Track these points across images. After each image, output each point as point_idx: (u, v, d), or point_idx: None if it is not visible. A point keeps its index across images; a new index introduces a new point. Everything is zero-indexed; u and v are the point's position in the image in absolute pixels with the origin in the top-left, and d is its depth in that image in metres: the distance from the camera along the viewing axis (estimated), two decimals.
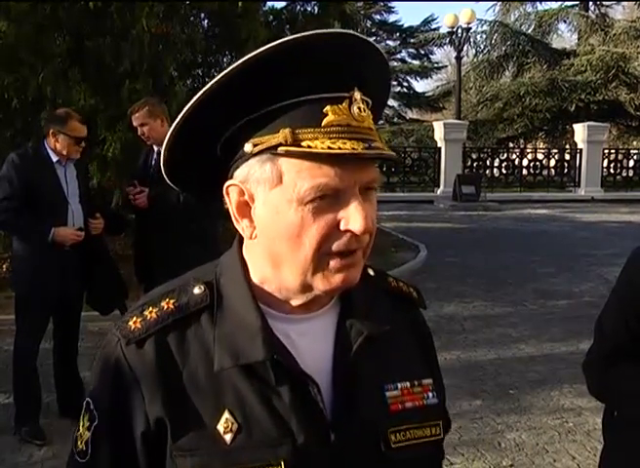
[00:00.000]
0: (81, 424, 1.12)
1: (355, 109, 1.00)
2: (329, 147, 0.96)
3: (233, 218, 1.07)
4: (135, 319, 1.08)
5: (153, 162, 4.82)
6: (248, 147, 1.01)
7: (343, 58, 0.99)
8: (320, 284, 1.04)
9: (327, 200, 0.99)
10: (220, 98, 1.00)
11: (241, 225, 1.07)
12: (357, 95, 1.01)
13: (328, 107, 0.98)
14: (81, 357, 4.92)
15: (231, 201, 1.06)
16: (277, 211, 1.01)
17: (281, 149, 0.98)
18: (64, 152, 4.42)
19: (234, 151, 1.04)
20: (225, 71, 0.98)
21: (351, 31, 1.00)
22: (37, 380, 4.57)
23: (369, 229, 1.01)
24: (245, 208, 1.06)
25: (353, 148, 0.97)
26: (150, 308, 1.09)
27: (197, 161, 1.11)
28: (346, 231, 1.00)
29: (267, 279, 1.09)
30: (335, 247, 1.01)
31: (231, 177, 1.06)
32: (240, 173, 1.04)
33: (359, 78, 1.02)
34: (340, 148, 0.96)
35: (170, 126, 1.07)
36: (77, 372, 4.80)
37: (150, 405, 1.05)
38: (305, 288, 1.05)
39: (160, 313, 1.08)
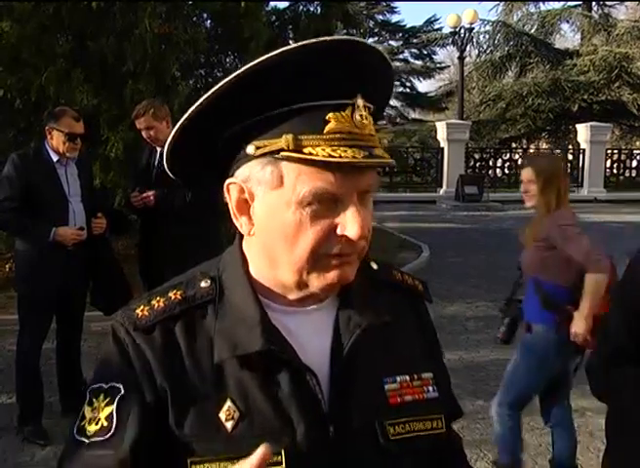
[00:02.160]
0: (89, 409, 1.10)
1: (357, 116, 1.02)
2: (330, 155, 0.98)
3: (232, 215, 1.10)
4: (142, 307, 1.11)
5: (156, 162, 4.83)
6: (250, 149, 1.03)
7: (348, 66, 1.00)
8: (315, 282, 1.07)
9: (325, 205, 1.01)
10: (226, 100, 1.01)
11: (239, 222, 1.10)
12: (360, 102, 1.02)
13: (330, 115, 1.00)
14: (84, 356, 4.93)
15: (231, 198, 1.09)
16: (276, 211, 1.03)
17: (283, 154, 1.00)
18: (60, 149, 4.42)
19: (235, 150, 1.06)
20: (234, 75, 0.99)
21: (356, 38, 1.02)
22: (40, 380, 4.58)
23: (364, 236, 1.03)
24: (244, 205, 1.08)
25: (354, 156, 0.99)
26: (158, 298, 1.12)
27: (198, 158, 1.13)
28: (342, 236, 1.03)
29: (264, 274, 1.12)
30: (330, 250, 1.04)
31: (232, 176, 1.08)
32: (241, 172, 1.06)
33: (362, 84, 1.03)
34: (340, 156, 0.98)
35: (173, 126, 1.09)
36: (80, 372, 4.81)
37: (160, 382, 1.07)
38: (301, 285, 1.08)
39: (168, 302, 1.11)
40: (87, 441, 1.07)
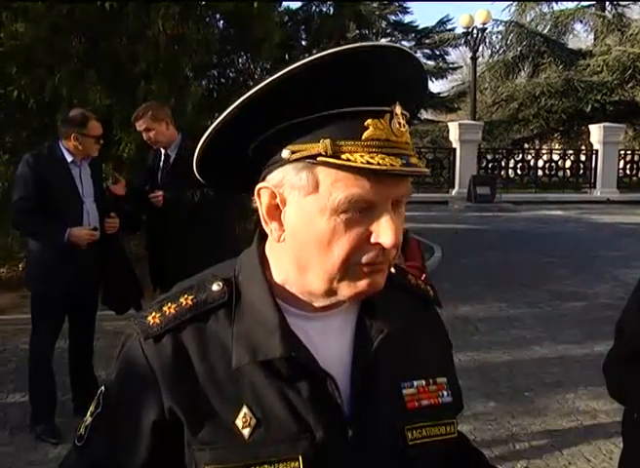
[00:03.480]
0: (89, 411, 1.15)
1: (396, 124, 1.01)
2: (368, 162, 0.97)
3: (262, 220, 1.08)
4: (154, 314, 1.10)
5: (161, 164, 4.83)
6: (285, 153, 1.01)
7: (387, 72, 1.00)
8: (346, 290, 1.05)
9: (360, 212, 1.00)
10: (264, 103, 1.00)
11: (270, 227, 1.08)
12: (398, 109, 1.01)
13: (369, 121, 0.99)
14: (96, 355, 4.95)
15: (262, 203, 1.07)
16: (310, 218, 1.02)
17: (320, 159, 0.98)
18: (87, 152, 4.46)
19: (267, 154, 1.05)
20: (273, 77, 0.97)
21: (396, 44, 1.01)
22: (52, 379, 4.60)
23: (398, 244, 1.02)
24: (275, 211, 1.06)
25: (391, 164, 0.98)
26: (169, 304, 1.11)
27: (228, 160, 1.12)
28: (375, 244, 1.02)
29: (290, 281, 1.10)
30: (363, 259, 1.02)
31: (263, 180, 1.07)
32: (274, 177, 1.05)
33: (401, 92, 1.02)
34: (378, 164, 0.97)
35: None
36: (92, 371, 4.83)
37: (166, 396, 1.06)
38: (330, 293, 1.07)
39: (179, 309, 1.10)
40: (75, 440, 1.16)
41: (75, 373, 4.85)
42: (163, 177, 4.79)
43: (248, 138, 1.06)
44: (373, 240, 1.01)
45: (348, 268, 1.03)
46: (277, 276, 1.11)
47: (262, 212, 1.08)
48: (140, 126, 4.72)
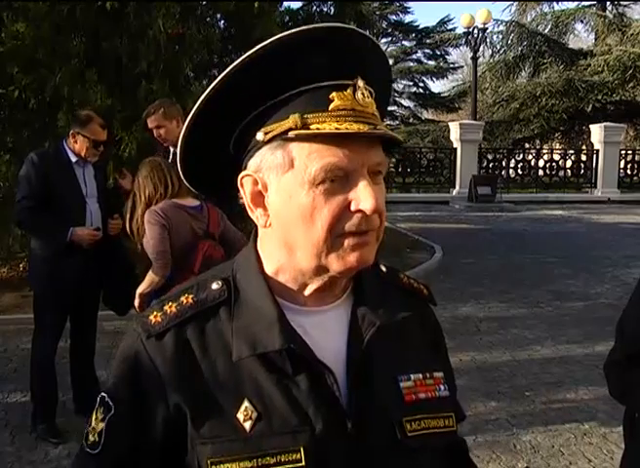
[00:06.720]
0: (93, 418, 1.13)
1: (359, 95, 1.05)
2: (336, 128, 1.01)
3: (248, 208, 1.11)
4: (155, 313, 1.12)
5: (169, 162, 4.84)
6: (259, 136, 1.05)
7: (346, 49, 1.05)
8: (335, 264, 1.07)
9: (337, 182, 1.03)
10: (230, 93, 1.05)
11: (255, 214, 1.11)
12: (360, 82, 1.06)
13: (334, 94, 1.04)
14: (97, 356, 4.95)
15: (245, 191, 1.11)
16: (290, 195, 1.05)
17: (291, 134, 1.02)
18: (82, 153, 4.46)
19: (246, 144, 1.09)
20: (231, 66, 1.02)
21: (351, 26, 1.07)
22: (54, 379, 4.60)
23: (379, 208, 1.05)
24: (259, 197, 1.10)
25: (359, 129, 1.02)
26: (170, 303, 1.13)
27: (211, 161, 1.15)
28: (357, 212, 1.04)
29: (282, 267, 1.12)
30: (346, 227, 1.04)
31: (245, 168, 1.10)
32: (253, 162, 1.09)
33: (361, 68, 1.07)
34: (346, 129, 1.01)
35: None
36: (93, 371, 4.83)
37: (170, 393, 1.07)
38: (320, 270, 1.08)
39: (179, 307, 1.12)
40: (86, 448, 1.13)
41: (76, 373, 4.85)
42: None
43: (224, 135, 1.10)
44: (353, 207, 1.04)
45: (334, 240, 1.05)
46: (269, 266, 1.13)
47: (247, 200, 1.11)
48: (151, 123, 4.76)
